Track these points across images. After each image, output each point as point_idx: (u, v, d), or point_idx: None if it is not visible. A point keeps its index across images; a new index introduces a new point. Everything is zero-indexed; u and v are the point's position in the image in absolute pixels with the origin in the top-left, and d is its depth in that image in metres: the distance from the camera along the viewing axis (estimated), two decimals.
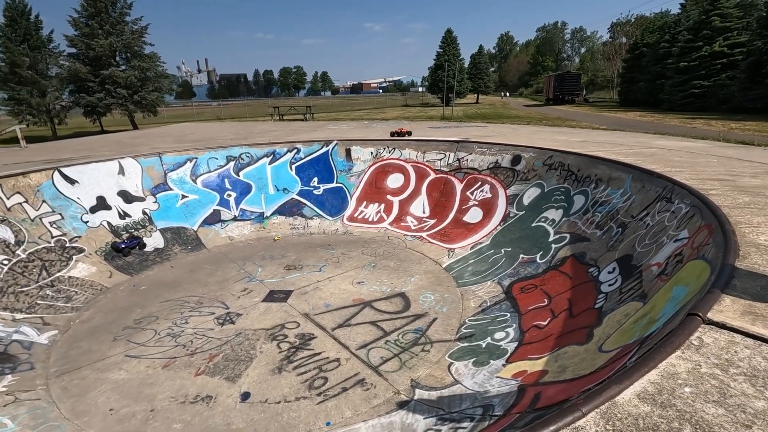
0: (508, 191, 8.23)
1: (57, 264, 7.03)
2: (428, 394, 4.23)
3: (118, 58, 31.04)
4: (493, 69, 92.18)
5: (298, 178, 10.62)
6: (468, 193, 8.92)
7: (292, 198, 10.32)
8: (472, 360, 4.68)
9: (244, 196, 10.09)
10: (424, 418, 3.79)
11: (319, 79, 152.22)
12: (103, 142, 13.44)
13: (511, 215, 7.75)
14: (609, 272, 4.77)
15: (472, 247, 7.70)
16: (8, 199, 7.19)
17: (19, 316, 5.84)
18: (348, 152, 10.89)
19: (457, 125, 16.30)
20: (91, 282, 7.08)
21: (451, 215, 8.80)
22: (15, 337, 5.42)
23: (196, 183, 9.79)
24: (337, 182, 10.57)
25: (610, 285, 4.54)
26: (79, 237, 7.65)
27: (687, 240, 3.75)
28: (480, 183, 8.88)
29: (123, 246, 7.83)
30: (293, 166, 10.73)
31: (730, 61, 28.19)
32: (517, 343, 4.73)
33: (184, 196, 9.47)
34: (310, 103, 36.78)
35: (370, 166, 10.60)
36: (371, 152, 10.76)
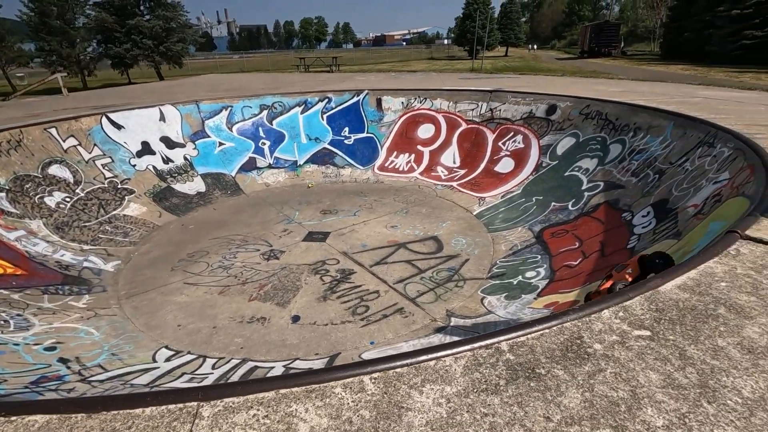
0: (541, 141, 8.21)
1: (112, 203, 7.56)
2: (463, 322, 4.60)
3: (142, 8, 30.84)
4: (524, 19, 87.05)
5: (329, 128, 10.76)
6: (500, 144, 8.93)
7: (324, 147, 10.53)
8: (503, 294, 5.00)
9: (277, 145, 10.35)
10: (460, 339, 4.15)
11: (341, 31, 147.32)
12: (141, 91, 13.78)
13: (544, 165, 7.80)
14: (643, 216, 4.89)
15: (502, 196, 7.84)
16: (64, 141, 7.65)
17: (86, 247, 6.42)
18: (379, 102, 10.89)
19: (488, 77, 15.89)
20: (144, 220, 7.61)
21: (482, 165, 8.88)
22: (86, 264, 6.02)
23: (231, 131, 10.08)
24: (368, 132, 10.67)
25: (643, 227, 4.69)
26: (129, 179, 8.14)
27: (727, 181, 3.83)
28: (512, 133, 8.85)
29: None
30: (324, 116, 10.85)
31: None
32: (548, 280, 5.00)
33: (221, 143, 9.81)
34: (334, 55, 36.02)
35: (400, 116, 10.62)
36: (402, 102, 10.74)
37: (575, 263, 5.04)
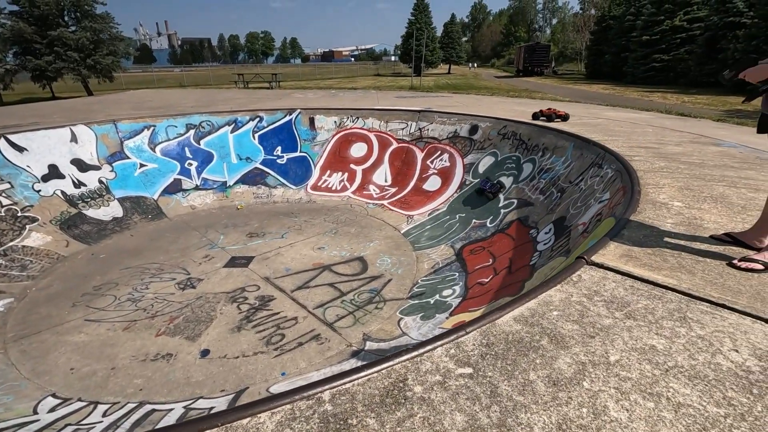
0: (465, 160, 8.53)
1: (9, 233, 6.89)
2: (377, 345, 4.60)
3: (66, 18, 28.98)
4: (465, 39, 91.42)
5: (261, 147, 10.56)
6: (428, 162, 9.18)
7: (256, 167, 10.30)
8: (420, 315, 5.06)
9: (205, 165, 9.98)
10: None
11: (288, 46, 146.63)
12: (54, 108, 12.80)
13: (467, 183, 8.09)
14: (545, 233, 5.18)
15: (429, 214, 8.03)
16: None
17: None
18: (311, 121, 10.87)
19: (424, 95, 16.40)
20: (47, 251, 7.00)
21: (412, 183, 9.07)
22: None
23: (154, 151, 9.60)
24: (300, 151, 10.59)
25: (544, 244, 4.96)
26: (32, 206, 7.48)
27: (607, 201, 4.15)
28: (439, 152, 9.14)
29: (487, 188, 7.20)
30: (256, 135, 10.64)
31: (689, 35, 29.10)
32: (461, 298, 5.13)
33: (142, 165, 9.30)
34: (278, 70, 35.71)
35: (333, 135, 10.65)
36: (335, 121, 10.78)
37: (486, 280, 5.22)
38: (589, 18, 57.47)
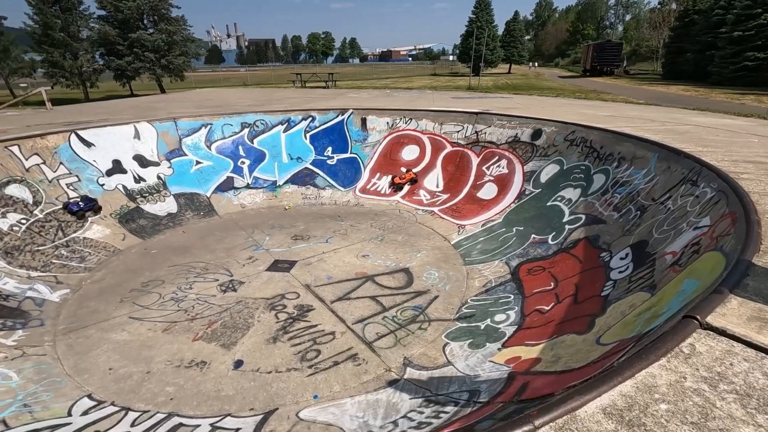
0: (525, 167, 7.82)
1: (73, 225, 7.22)
2: (419, 374, 4.15)
3: (145, 21, 31.19)
4: (528, 37, 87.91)
5: (312, 147, 10.46)
6: (484, 168, 8.56)
7: (306, 167, 10.21)
8: (468, 342, 4.55)
9: (257, 164, 10.04)
10: (410, 398, 3.71)
11: (348, 46, 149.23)
12: (124, 106, 13.61)
13: (527, 193, 7.39)
14: (621, 258, 4.46)
15: (483, 225, 7.43)
16: (26, 159, 7.36)
17: (34, 273, 6.06)
18: (363, 122, 10.60)
19: (481, 96, 15.62)
20: (105, 244, 7.27)
21: (465, 190, 8.49)
22: (29, 294, 5.64)
23: (210, 149, 9.79)
24: (351, 152, 10.36)
25: (620, 272, 4.25)
26: (95, 199, 7.82)
27: (708, 228, 3.41)
28: (497, 158, 8.48)
29: (76, 209, 7.25)
30: (308, 135, 10.56)
31: None
32: (516, 326, 4.55)
33: (198, 162, 9.51)
34: (335, 70, 36.17)
35: (385, 137, 10.31)
36: (387, 122, 10.44)
37: (547, 308, 4.59)
38: (669, 13, 52.74)
